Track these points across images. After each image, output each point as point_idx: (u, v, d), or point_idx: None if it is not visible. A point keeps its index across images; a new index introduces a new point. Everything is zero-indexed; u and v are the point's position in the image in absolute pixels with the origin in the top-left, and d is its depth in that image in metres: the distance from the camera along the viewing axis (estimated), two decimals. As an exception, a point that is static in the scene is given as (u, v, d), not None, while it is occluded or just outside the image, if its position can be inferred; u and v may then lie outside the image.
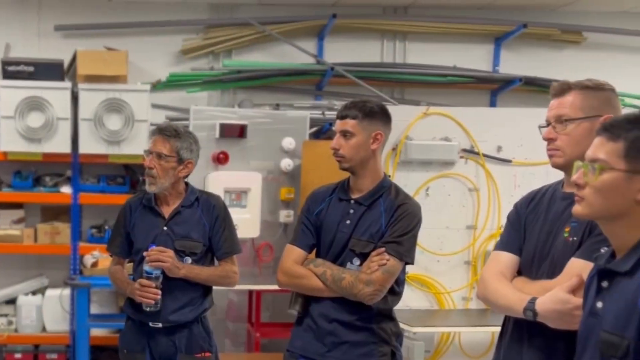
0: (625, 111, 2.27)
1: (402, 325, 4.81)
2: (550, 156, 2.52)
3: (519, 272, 2.56)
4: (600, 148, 2.02)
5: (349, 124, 3.16)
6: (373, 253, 3.10)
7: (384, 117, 3.21)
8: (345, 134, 3.16)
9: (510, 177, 5.22)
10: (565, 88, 2.50)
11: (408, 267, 5.38)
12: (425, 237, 5.46)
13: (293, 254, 3.25)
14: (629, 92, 6.41)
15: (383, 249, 3.09)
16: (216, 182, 5.41)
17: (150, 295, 3.47)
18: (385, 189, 3.20)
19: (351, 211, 3.20)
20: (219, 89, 6.46)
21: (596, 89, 2.48)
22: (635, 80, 6.71)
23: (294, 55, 6.44)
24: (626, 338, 1.91)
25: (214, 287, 3.75)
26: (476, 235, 5.47)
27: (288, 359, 3.28)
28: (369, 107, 3.18)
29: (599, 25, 6.70)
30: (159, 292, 3.48)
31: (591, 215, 2.06)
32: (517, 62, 6.69)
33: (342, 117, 3.20)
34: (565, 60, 6.69)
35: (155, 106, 6.14)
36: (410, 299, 5.53)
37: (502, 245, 2.61)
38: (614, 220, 2.02)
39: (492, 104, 6.69)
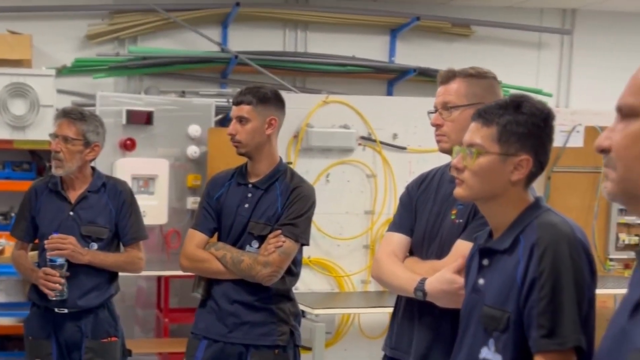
0: None
1: (304, 308, 4.85)
2: (437, 141, 2.55)
3: (411, 252, 2.59)
4: (476, 133, 2.07)
5: (244, 109, 3.16)
6: (270, 235, 3.11)
7: (278, 102, 3.22)
8: (240, 119, 3.16)
9: (405, 163, 5.32)
10: (450, 75, 2.53)
11: (310, 252, 5.49)
12: (325, 222, 5.52)
13: (195, 238, 3.23)
14: (514, 84, 6.57)
15: (279, 231, 3.10)
16: (124, 168, 5.30)
17: (53, 284, 3.36)
18: (281, 173, 3.22)
19: (249, 195, 3.20)
20: (125, 75, 6.30)
21: (479, 77, 2.52)
22: (520, 72, 6.89)
23: (199, 42, 6.34)
24: (507, 311, 1.97)
25: (122, 274, 3.67)
26: (374, 220, 5.54)
27: (192, 341, 3.26)
28: (263, 93, 3.19)
29: (486, 19, 6.84)
30: (64, 280, 3.38)
31: (471, 196, 2.10)
32: (411, 53, 6.75)
33: (237, 103, 3.20)
34: (456, 52, 6.78)
35: (60, 92, 5.93)
36: (312, 282, 5.58)
37: (394, 227, 2.64)
38: (491, 201, 2.07)
39: (389, 93, 6.75)
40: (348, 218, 5.59)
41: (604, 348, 1.29)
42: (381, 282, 2.62)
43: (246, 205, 3.19)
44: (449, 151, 2.52)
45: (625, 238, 5.50)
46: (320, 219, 5.39)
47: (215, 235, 3.32)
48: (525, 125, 2.03)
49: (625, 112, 1.22)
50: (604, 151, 1.25)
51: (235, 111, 3.20)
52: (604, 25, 7.12)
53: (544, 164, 2.10)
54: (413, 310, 2.50)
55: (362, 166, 5.57)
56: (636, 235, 5.50)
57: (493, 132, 2.04)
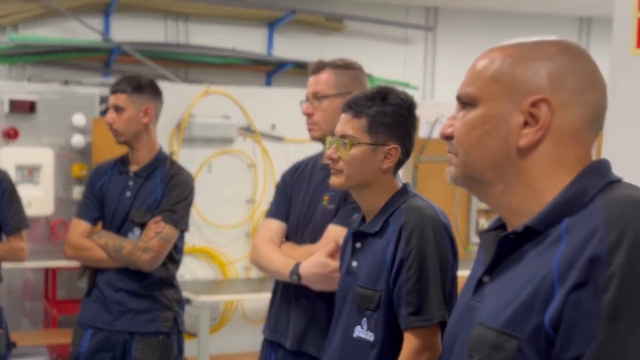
0: None
1: (189, 295, 4.83)
2: (309, 130, 2.58)
3: (288, 237, 2.61)
4: (347, 124, 2.11)
5: (120, 98, 3.12)
6: (150, 222, 3.10)
7: (153, 91, 3.19)
8: (116, 108, 3.11)
9: (283, 153, 5.36)
10: (320, 66, 2.56)
11: (195, 240, 5.48)
12: (209, 211, 5.53)
13: (78, 227, 3.19)
14: (384, 77, 6.70)
15: (159, 218, 3.09)
16: (7, 158, 5.08)
17: None
18: (160, 161, 3.20)
19: (130, 183, 3.17)
20: (7, 63, 6.09)
21: (347, 68, 2.56)
22: (389, 66, 7.05)
23: (81, 31, 6.19)
24: (378, 291, 2.02)
25: (8, 265, 3.54)
26: (255, 209, 5.57)
27: (77, 331, 3.21)
28: (138, 82, 3.15)
29: (357, 14, 6.97)
30: None
31: (346, 185, 2.13)
32: (289, 46, 6.82)
33: (113, 91, 3.15)
34: (330, 45, 6.87)
35: (-59, 80, 5.74)
36: (197, 270, 5.57)
37: (271, 213, 2.66)
38: (364, 188, 2.11)
39: (268, 84, 6.78)
40: (230, 207, 5.61)
41: (454, 321, 1.34)
42: (259, 267, 2.65)
43: (128, 193, 3.16)
44: (320, 139, 2.55)
45: (484, 223, 5.65)
46: (203, 207, 5.40)
47: (101, 224, 3.27)
48: (392, 116, 2.09)
49: (464, 101, 1.27)
50: (448, 138, 1.30)
51: (112, 100, 3.15)
52: (465, 22, 7.41)
53: (410, 151, 2.17)
54: (290, 294, 2.53)
55: (243, 156, 5.60)
56: (494, 220, 5.77)
57: (363, 124, 2.08)
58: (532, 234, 1.19)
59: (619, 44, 1.98)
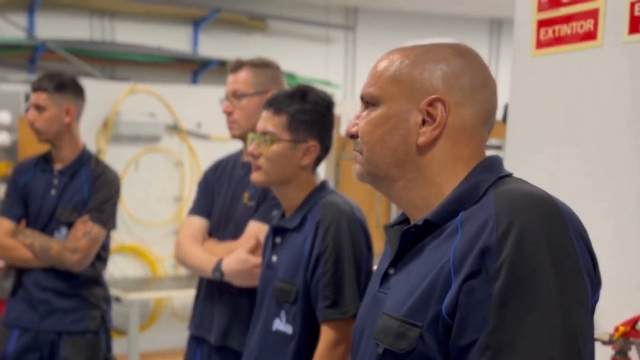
0: None
1: (118, 293, 4.78)
2: (229, 128, 2.58)
3: (210, 235, 2.60)
4: (268, 121, 2.11)
5: (41, 97, 3.03)
6: (78, 221, 3.04)
7: (76, 90, 3.11)
8: (37, 107, 3.03)
9: (209, 151, 5.31)
10: (238, 65, 2.55)
11: (124, 238, 5.44)
12: (137, 209, 5.49)
13: (2, 226, 3.09)
14: (307, 75, 6.74)
15: (87, 217, 3.03)
16: None
17: None
18: (85, 160, 3.14)
19: (55, 181, 3.11)
20: None
21: (264, 67, 2.56)
22: (311, 65, 7.09)
23: (6, 28, 6.04)
24: (296, 284, 2.03)
25: None
26: (182, 206, 5.57)
27: (3, 332, 3.13)
28: (59, 80, 3.07)
29: (280, 14, 6.98)
30: None
31: (267, 182, 2.14)
32: (213, 45, 6.81)
33: (34, 89, 3.06)
34: (254, 44, 6.88)
35: None
36: (126, 268, 5.52)
37: (193, 210, 2.65)
38: (284, 185, 2.12)
39: (194, 82, 6.75)
40: (158, 205, 5.58)
41: (362, 313, 1.37)
42: (183, 264, 2.63)
43: (52, 192, 3.10)
44: (240, 137, 2.55)
45: None
46: (132, 206, 5.36)
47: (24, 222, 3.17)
48: (311, 114, 2.10)
49: (367, 101, 1.30)
50: (353, 136, 1.33)
51: (33, 98, 3.06)
52: (383, 23, 7.51)
53: (328, 148, 2.18)
54: (213, 290, 2.52)
55: (170, 154, 5.58)
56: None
57: (283, 121, 2.09)
58: (432, 227, 1.22)
59: (520, 45, 2.02)
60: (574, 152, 1.87)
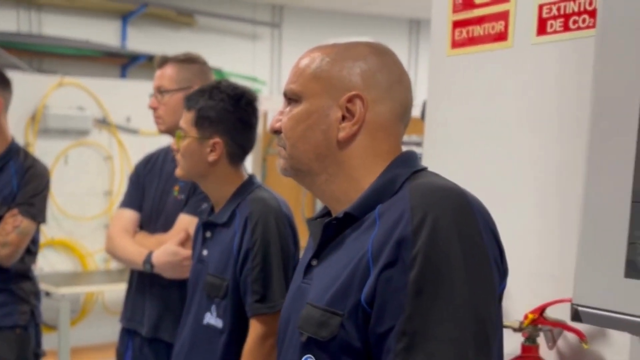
0: None
1: (49, 288, 4.69)
2: (156, 123, 2.57)
3: (142, 227, 2.59)
4: (183, 117, 2.12)
5: None
6: (7, 215, 2.96)
7: (2, 82, 3.02)
8: None
9: (139, 146, 5.25)
10: (163, 61, 2.55)
11: (54, 232, 5.34)
12: (67, 203, 5.39)
13: None
14: (234, 72, 6.73)
15: (16, 211, 2.95)
16: None
17: None
18: (14, 153, 3.05)
19: None
20: None
21: (189, 62, 2.55)
22: (238, 61, 7.06)
23: None
24: (226, 279, 2.03)
25: None
26: (112, 200, 5.51)
27: None
28: None
29: (207, 10, 6.93)
30: None
31: (185, 176, 2.13)
32: (142, 39, 6.70)
33: None
34: (182, 40, 6.82)
35: None
36: (56, 263, 5.42)
37: (124, 203, 2.64)
38: (203, 179, 2.12)
39: (123, 76, 6.64)
40: (88, 199, 5.50)
41: (287, 305, 1.39)
42: (114, 256, 2.61)
43: None
44: (166, 132, 2.55)
45: None
46: (61, 200, 5.26)
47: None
48: (217, 110, 2.07)
49: (290, 97, 1.32)
50: (276, 132, 1.34)
51: None
52: (308, 20, 7.53)
53: (244, 145, 2.14)
54: (144, 283, 2.51)
55: (99, 148, 5.50)
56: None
57: (192, 117, 2.08)
58: (352, 219, 1.25)
59: (437, 45, 2.07)
60: (486, 148, 1.93)
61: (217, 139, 2.09)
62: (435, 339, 1.09)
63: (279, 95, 7.02)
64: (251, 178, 2.19)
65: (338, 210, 1.29)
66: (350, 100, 1.27)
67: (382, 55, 1.31)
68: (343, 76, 1.28)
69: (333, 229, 1.29)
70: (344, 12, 7.66)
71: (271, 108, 4.62)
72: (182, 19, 6.91)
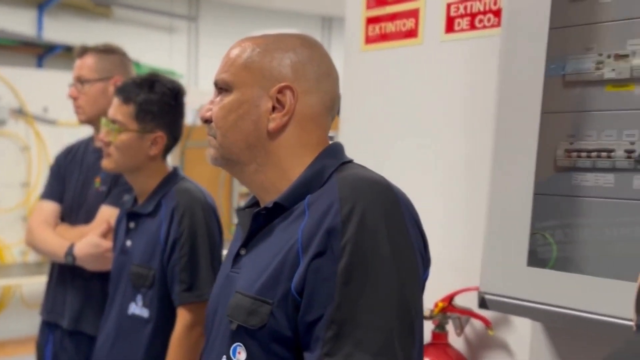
0: None
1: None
2: (76, 113, 2.51)
3: (63, 219, 2.52)
4: (117, 110, 2.06)
5: None
6: None
7: None
8: None
9: (57, 136, 5.17)
10: (83, 51, 2.49)
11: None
12: (-18, 194, 5.24)
13: None
14: (151, 64, 6.58)
15: None
16: None
17: None
18: None
19: None
20: None
21: (108, 53, 2.50)
22: (156, 53, 6.94)
23: None
24: (152, 269, 2.00)
25: None
26: (30, 192, 5.37)
27: None
28: None
29: (124, 1, 6.77)
30: None
31: (117, 169, 2.09)
32: (59, 29, 6.49)
33: None
34: (99, 31, 6.66)
35: None
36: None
37: (45, 195, 2.56)
38: (135, 172, 2.09)
39: (39, 66, 6.44)
40: (4, 190, 5.32)
41: (215, 294, 1.37)
42: (35, 248, 2.53)
43: None
44: (86, 122, 2.50)
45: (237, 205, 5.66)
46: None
47: None
48: (159, 104, 2.06)
49: (221, 87, 1.29)
50: (207, 121, 1.31)
51: None
52: (225, 14, 7.49)
53: (178, 137, 2.15)
54: (65, 275, 2.45)
55: (16, 139, 5.33)
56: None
57: (131, 110, 2.04)
58: (281, 209, 1.24)
59: (351, 41, 2.09)
60: (397, 141, 1.96)
61: (159, 133, 2.07)
62: (363, 327, 1.10)
63: (196, 88, 7.00)
64: (176, 170, 2.17)
65: (267, 200, 1.28)
66: (280, 91, 1.25)
67: (312, 47, 1.30)
68: (273, 67, 1.26)
69: (262, 219, 1.27)
70: (260, 7, 7.65)
71: (188, 101, 4.58)
72: (99, 9, 6.73)
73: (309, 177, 1.24)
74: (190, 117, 5.32)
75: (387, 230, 1.13)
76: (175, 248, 1.99)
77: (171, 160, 2.26)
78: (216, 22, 7.41)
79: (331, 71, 1.31)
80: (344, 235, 1.12)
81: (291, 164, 1.27)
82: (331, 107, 1.31)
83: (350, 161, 1.30)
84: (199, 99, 5.31)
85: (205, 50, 7.32)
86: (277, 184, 1.27)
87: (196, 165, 5.38)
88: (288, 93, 1.25)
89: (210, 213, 2.07)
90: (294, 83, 1.25)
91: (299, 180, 1.25)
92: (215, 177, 5.51)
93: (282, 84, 1.25)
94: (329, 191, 1.19)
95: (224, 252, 2.12)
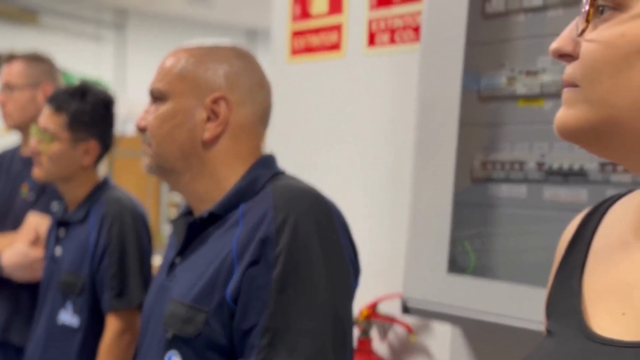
0: None
1: None
2: (4, 119, 2.45)
3: None
4: (49, 119, 2.01)
5: None
6: None
7: None
8: None
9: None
10: (11, 57, 2.45)
11: None
12: None
13: None
14: (78, 72, 6.41)
15: None
16: None
17: None
18: None
19: None
20: None
21: (37, 60, 2.46)
22: (83, 62, 6.76)
23: None
24: (82, 276, 1.96)
25: None
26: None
27: None
28: None
29: (51, 8, 6.64)
30: None
31: (48, 178, 2.05)
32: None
33: None
34: (25, 38, 6.43)
35: None
36: None
37: None
38: (66, 181, 2.04)
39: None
40: None
41: (149, 302, 1.35)
42: None
43: None
44: (15, 128, 2.45)
45: (175, 214, 5.58)
46: None
47: None
48: (91, 114, 2.02)
49: (156, 96, 1.28)
50: (142, 130, 1.29)
51: None
52: (152, 24, 7.42)
53: (109, 146, 2.11)
54: None
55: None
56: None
57: (63, 120, 2.00)
58: (215, 218, 1.24)
59: (277, 52, 2.10)
60: (327, 152, 1.97)
61: (91, 143, 2.04)
62: (296, 333, 1.10)
63: (124, 97, 6.87)
64: (106, 179, 2.14)
65: (201, 209, 1.27)
66: (215, 101, 1.25)
67: (245, 59, 1.30)
68: (208, 77, 1.26)
69: (197, 228, 1.27)
70: (187, 18, 7.59)
71: (117, 111, 4.48)
72: (25, 16, 6.55)
73: (243, 186, 1.24)
74: (119, 126, 5.18)
75: (319, 240, 1.14)
76: (104, 255, 1.97)
77: (100, 169, 2.22)
78: (143, 32, 7.32)
79: (264, 83, 1.32)
80: (278, 244, 1.12)
81: (225, 174, 1.26)
82: (264, 118, 1.32)
83: (283, 172, 1.31)
84: (127, 108, 5.22)
85: (133, 59, 7.20)
86: (211, 193, 1.26)
87: (124, 174, 5.23)
88: (222, 103, 1.24)
89: (140, 221, 2.05)
90: (228, 93, 1.25)
91: (233, 189, 1.24)
92: (143, 186, 5.39)
93: (217, 94, 1.24)
94: (263, 201, 1.19)
95: (155, 259, 2.12)
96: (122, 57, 7.28)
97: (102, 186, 2.09)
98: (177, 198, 5.55)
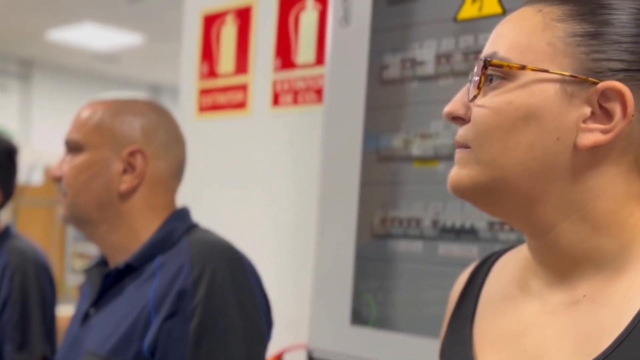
0: None
1: None
2: None
3: None
4: None
5: None
6: None
7: None
8: None
9: None
10: None
11: None
12: None
13: None
14: None
15: None
16: None
17: None
18: None
19: None
20: None
21: None
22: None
23: None
24: None
25: None
26: None
27: None
28: None
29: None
30: None
31: None
32: None
33: None
34: None
35: None
36: None
37: None
38: None
39: None
40: None
41: (62, 354, 1.30)
42: None
43: None
44: None
45: (80, 264, 5.41)
46: None
47: None
48: None
49: (71, 147, 1.25)
50: (58, 180, 1.26)
51: None
52: (58, 76, 7.27)
53: (10, 194, 2.05)
54: None
55: None
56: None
57: None
58: (131, 269, 1.20)
59: (185, 109, 2.08)
60: (235, 207, 1.96)
61: None
62: None
63: (28, 147, 6.63)
64: (8, 229, 2.05)
65: (117, 260, 1.23)
66: (131, 154, 1.22)
67: (161, 113, 1.28)
68: (124, 130, 1.23)
69: (112, 279, 1.23)
70: (91, 73, 7.50)
71: (21, 160, 4.33)
72: None
73: (159, 239, 1.22)
74: (24, 175, 5.00)
75: (235, 293, 1.12)
76: (5, 307, 1.88)
77: (3, 217, 2.14)
78: (49, 82, 7.13)
79: (179, 137, 1.30)
80: (195, 297, 1.10)
81: (141, 225, 1.24)
82: (178, 172, 1.30)
83: (197, 225, 1.29)
84: (32, 158, 5.02)
85: (39, 110, 6.99)
86: (127, 244, 1.23)
87: (29, 223, 5.00)
88: (139, 156, 1.22)
89: (42, 271, 1.97)
90: (144, 147, 1.23)
91: (150, 241, 1.21)
92: (48, 235, 5.19)
93: (133, 147, 1.22)
94: (179, 254, 1.17)
95: (60, 310, 2.04)
96: (27, 107, 7.04)
97: (4, 235, 2.01)
98: (82, 248, 5.36)
